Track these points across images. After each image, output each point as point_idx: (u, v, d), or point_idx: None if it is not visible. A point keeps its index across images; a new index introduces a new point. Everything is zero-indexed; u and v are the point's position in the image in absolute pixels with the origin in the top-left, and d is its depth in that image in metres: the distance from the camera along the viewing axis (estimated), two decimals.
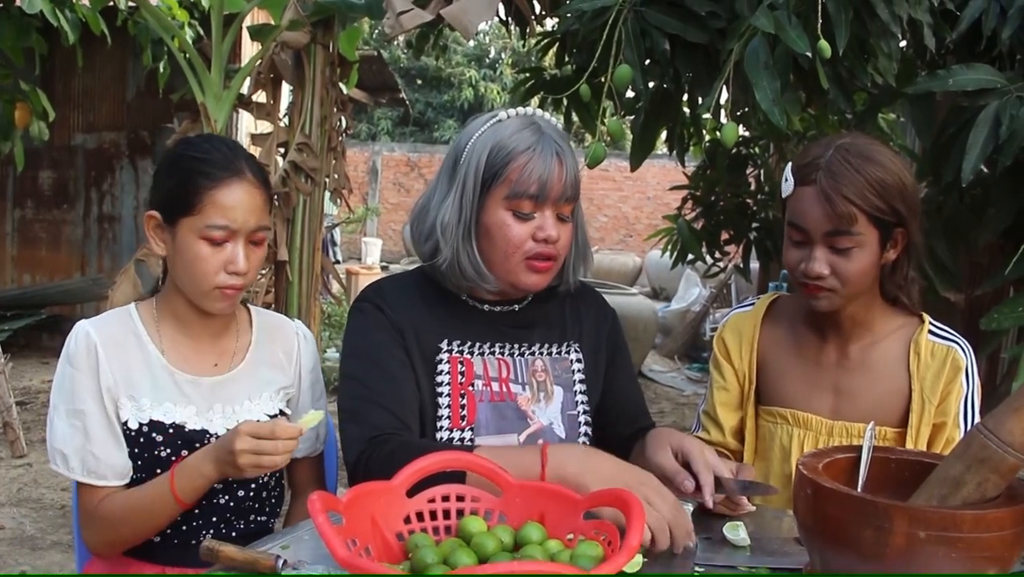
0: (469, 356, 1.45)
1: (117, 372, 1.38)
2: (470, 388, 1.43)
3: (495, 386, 1.45)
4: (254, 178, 1.37)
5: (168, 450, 1.38)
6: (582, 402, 1.52)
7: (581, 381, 1.52)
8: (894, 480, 1.05)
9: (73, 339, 1.38)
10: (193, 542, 1.41)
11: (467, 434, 1.42)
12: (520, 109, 1.45)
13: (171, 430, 1.38)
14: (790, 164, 1.46)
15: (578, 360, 1.53)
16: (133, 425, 1.38)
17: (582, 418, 1.51)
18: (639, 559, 1.12)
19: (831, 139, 1.45)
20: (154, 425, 1.38)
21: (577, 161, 1.42)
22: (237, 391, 1.45)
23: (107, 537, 1.40)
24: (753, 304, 1.66)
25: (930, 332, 1.51)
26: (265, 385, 1.47)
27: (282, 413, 1.49)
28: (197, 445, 1.38)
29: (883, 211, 1.39)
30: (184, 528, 1.42)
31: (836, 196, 1.37)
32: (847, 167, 1.37)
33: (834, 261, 1.41)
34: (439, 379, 1.43)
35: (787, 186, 1.45)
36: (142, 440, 1.38)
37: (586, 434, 1.51)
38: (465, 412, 1.42)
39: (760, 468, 1.60)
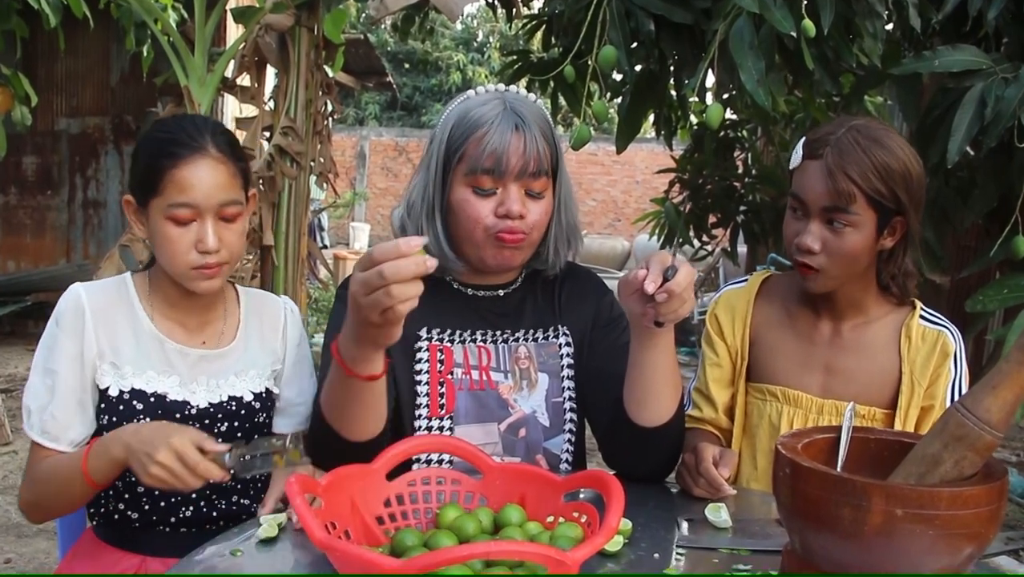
0: (449, 344, 1.43)
1: (103, 338, 1.37)
2: (449, 376, 1.41)
3: (475, 374, 1.42)
4: (219, 152, 1.34)
5: (148, 419, 1.36)
6: (569, 388, 1.47)
7: (569, 366, 1.48)
8: (873, 460, 1.05)
9: (64, 300, 1.37)
10: (176, 526, 1.40)
11: (446, 423, 1.40)
12: (491, 86, 1.42)
13: (152, 399, 1.37)
14: (803, 138, 1.48)
15: (567, 344, 1.49)
16: (114, 392, 1.37)
17: (567, 405, 1.47)
18: (619, 539, 1.12)
19: (847, 119, 1.47)
20: (135, 393, 1.37)
21: (550, 136, 1.38)
22: (224, 367, 1.44)
23: (29, 496, 1.38)
24: (746, 280, 1.66)
25: (921, 317, 1.53)
26: (252, 364, 1.46)
27: (268, 392, 1.47)
28: (177, 416, 1.37)
29: (883, 195, 1.39)
30: (162, 504, 1.40)
31: (839, 173, 1.38)
32: (855, 147, 1.39)
33: (827, 238, 1.43)
34: (418, 367, 1.41)
35: (795, 158, 1.48)
36: (122, 408, 1.36)
37: (571, 420, 1.47)
38: (444, 401, 1.40)
39: (748, 445, 1.61)
